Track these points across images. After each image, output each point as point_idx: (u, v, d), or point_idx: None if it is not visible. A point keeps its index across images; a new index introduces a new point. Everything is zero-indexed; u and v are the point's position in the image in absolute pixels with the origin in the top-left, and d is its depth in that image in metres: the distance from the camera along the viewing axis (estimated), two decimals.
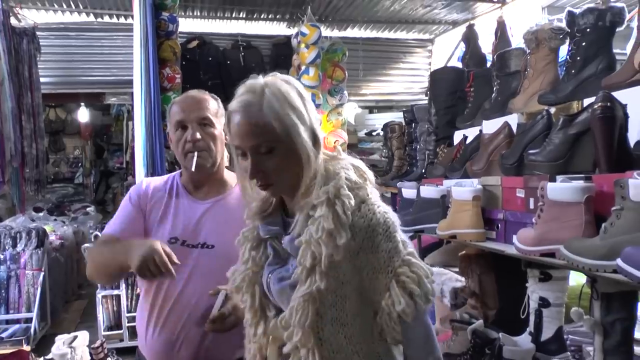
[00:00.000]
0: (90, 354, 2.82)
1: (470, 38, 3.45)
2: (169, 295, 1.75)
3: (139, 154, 4.26)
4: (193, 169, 1.75)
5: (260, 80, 1.22)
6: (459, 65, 3.78)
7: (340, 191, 1.20)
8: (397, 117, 4.95)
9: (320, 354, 1.19)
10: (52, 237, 5.20)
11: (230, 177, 1.84)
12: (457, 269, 2.64)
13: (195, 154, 1.73)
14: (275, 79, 1.22)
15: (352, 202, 1.20)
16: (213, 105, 1.81)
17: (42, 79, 5.00)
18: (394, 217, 1.25)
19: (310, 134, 1.21)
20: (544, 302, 2.05)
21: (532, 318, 2.10)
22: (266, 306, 1.32)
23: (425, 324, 1.25)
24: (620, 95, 1.65)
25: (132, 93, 4.53)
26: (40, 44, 4.94)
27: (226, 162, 1.91)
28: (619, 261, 1.20)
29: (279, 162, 1.20)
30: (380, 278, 1.20)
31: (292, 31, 5.71)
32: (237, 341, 1.55)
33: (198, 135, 1.72)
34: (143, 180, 1.94)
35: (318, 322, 1.20)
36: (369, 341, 1.25)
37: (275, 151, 1.19)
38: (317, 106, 4.97)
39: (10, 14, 4.69)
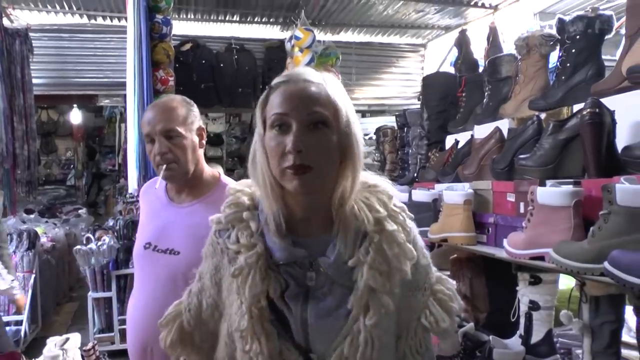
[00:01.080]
0: (82, 357, 2.82)
1: (462, 43, 3.47)
2: (143, 300, 1.78)
3: (132, 156, 4.27)
4: (160, 182, 1.78)
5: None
6: (452, 70, 3.81)
7: (397, 204, 1.13)
8: (389, 121, 4.97)
9: None
10: (43, 239, 5.18)
11: (211, 177, 1.83)
12: (448, 273, 2.66)
13: (164, 166, 1.71)
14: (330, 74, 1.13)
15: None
16: (181, 112, 1.75)
17: (34, 80, 4.99)
18: None
19: (357, 130, 1.09)
20: (533, 305, 2.08)
21: (522, 321, 2.13)
22: (283, 348, 1.08)
23: None
24: (608, 101, 1.68)
25: (125, 95, 4.54)
26: (33, 45, 4.93)
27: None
28: (606, 264, 1.22)
29: (328, 143, 1.04)
30: (418, 296, 1.15)
31: (285, 35, 5.73)
32: None
33: (164, 149, 1.70)
34: (147, 183, 1.97)
35: (379, 353, 1.07)
36: None
37: (327, 128, 1.04)
38: None
39: (3, 15, 4.68)
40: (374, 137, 4.04)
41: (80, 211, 7.44)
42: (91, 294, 4.25)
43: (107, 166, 9.15)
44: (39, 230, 5.18)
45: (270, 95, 1.08)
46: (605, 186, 1.35)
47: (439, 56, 6.19)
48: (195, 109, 1.81)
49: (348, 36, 6.25)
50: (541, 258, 1.58)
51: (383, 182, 1.16)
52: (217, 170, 1.90)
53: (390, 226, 1.08)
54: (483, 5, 5.28)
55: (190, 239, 1.66)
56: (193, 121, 1.78)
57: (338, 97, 1.06)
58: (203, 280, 1.21)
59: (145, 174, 4.14)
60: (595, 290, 1.78)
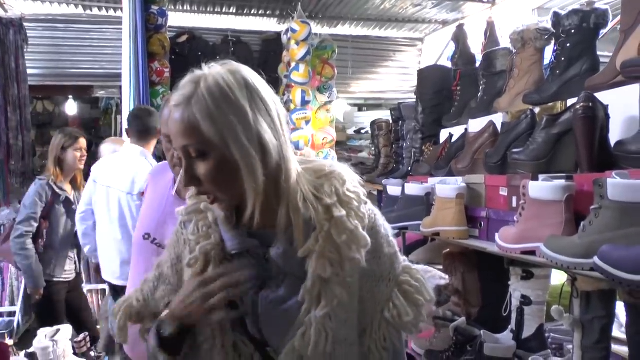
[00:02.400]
0: (73, 348, 2.81)
1: (460, 38, 3.45)
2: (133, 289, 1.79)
3: None
4: (174, 192, 1.80)
5: (203, 70, 1.02)
6: (449, 64, 3.80)
7: (350, 189, 1.07)
8: (385, 115, 4.97)
9: None
10: None
11: None
12: (441, 267, 2.66)
13: (180, 176, 1.74)
14: (221, 69, 1.02)
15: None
16: None
17: (29, 71, 4.95)
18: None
19: (256, 138, 0.99)
20: (525, 300, 2.08)
21: (513, 316, 2.13)
22: (238, 341, 1.07)
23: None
24: (602, 96, 1.67)
25: (120, 86, 4.51)
26: (28, 35, 4.89)
27: None
28: (595, 259, 1.21)
29: (213, 171, 0.99)
30: (382, 287, 1.10)
31: (282, 27, 5.70)
32: None
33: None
34: (159, 166, 1.98)
35: (334, 346, 1.03)
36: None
37: (208, 157, 0.99)
38: (307, 103, 4.97)
39: None
40: (370, 130, 4.03)
41: None
42: (85, 286, 4.24)
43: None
44: None
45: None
46: (597, 181, 1.35)
47: (437, 50, 6.17)
48: None
49: (345, 29, 6.22)
50: (532, 253, 1.57)
51: (340, 168, 1.12)
52: None
53: (339, 212, 1.03)
54: (481, 0, 5.25)
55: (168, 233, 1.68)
56: None
57: (202, 112, 0.97)
58: (161, 269, 1.21)
59: None
60: (586, 286, 1.78)
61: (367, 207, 1.11)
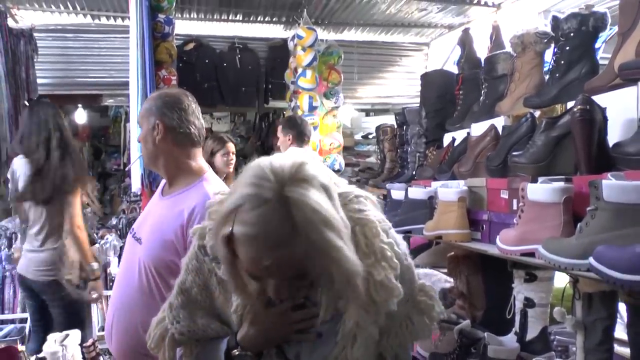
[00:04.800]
0: (82, 353, 2.84)
1: (465, 42, 3.47)
2: (116, 281, 1.94)
3: (135, 155, 4.30)
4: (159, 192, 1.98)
5: (273, 193, 0.95)
6: (455, 69, 3.82)
7: (384, 240, 1.13)
8: (392, 120, 4.99)
9: None
10: None
11: (194, 173, 1.89)
12: (445, 270, 2.67)
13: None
14: (298, 183, 0.96)
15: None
16: (145, 105, 1.93)
17: (39, 80, 5.02)
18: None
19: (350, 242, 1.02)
20: (529, 303, 2.08)
21: (517, 318, 2.13)
22: None
23: None
24: (601, 98, 1.68)
25: (129, 95, 4.57)
26: (38, 45, 4.96)
27: None
28: (591, 260, 1.22)
29: (313, 280, 1.06)
30: (400, 308, 1.15)
31: (288, 34, 5.74)
32: None
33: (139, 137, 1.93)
34: None
35: None
36: None
37: (308, 275, 1.02)
38: (314, 108, 5.01)
39: (8, 15, 4.71)
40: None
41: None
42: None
43: (112, 165, 9.17)
44: None
45: (242, 246, 1.00)
46: (592, 182, 1.36)
47: (443, 55, 6.18)
48: (162, 103, 1.87)
49: (351, 35, 6.25)
50: (532, 254, 1.58)
51: (368, 209, 1.15)
52: (205, 168, 1.93)
53: (378, 275, 1.09)
54: (486, 4, 5.27)
55: (149, 229, 1.82)
56: (149, 115, 1.86)
57: (310, 251, 0.96)
58: (188, 294, 1.22)
59: (150, 173, 4.17)
60: (587, 287, 1.78)
61: (391, 237, 1.17)
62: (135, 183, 4.40)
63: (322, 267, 0.98)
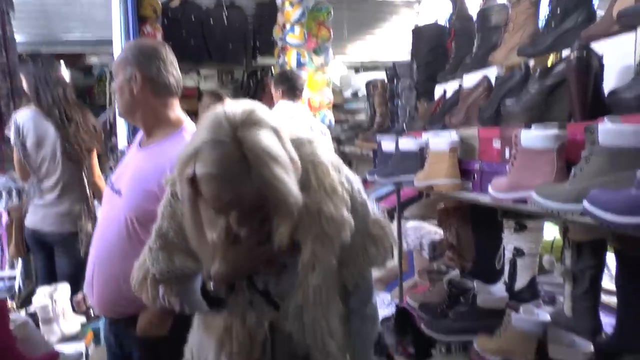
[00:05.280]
0: (72, 307, 2.85)
1: None
2: (95, 234, 1.91)
3: None
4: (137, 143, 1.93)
5: (228, 136, 1.10)
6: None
7: (334, 178, 1.28)
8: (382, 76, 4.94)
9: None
10: None
11: (173, 124, 1.85)
12: (435, 222, 2.68)
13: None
14: (249, 126, 1.12)
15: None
16: (121, 55, 1.84)
17: (18, 38, 4.86)
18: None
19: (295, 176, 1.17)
20: (518, 252, 2.11)
21: (506, 268, 2.16)
22: (254, 298, 1.32)
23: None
24: (597, 46, 1.66)
25: (113, 53, 4.46)
26: (14, 1, 4.79)
27: None
28: (585, 203, 1.22)
29: (267, 215, 1.21)
30: (357, 239, 1.32)
31: None
32: None
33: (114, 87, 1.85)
34: None
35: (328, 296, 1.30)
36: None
37: (265, 207, 1.17)
38: (302, 65, 4.93)
39: None
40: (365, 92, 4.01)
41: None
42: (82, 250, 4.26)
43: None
44: None
45: (202, 184, 1.15)
46: (588, 127, 1.35)
47: (434, 12, 6.08)
48: (139, 52, 1.81)
49: None
50: (524, 201, 1.58)
51: (320, 152, 1.30)
52: (183, 118, 1.89)
53: (328, 210, 1.24)
54: None
55: (129, 181, 1.79)
56: (126, 65, 1.80)
57: (259, 183, 1.12)
58: (167, 237, 1.32)
59: (134, 131, 4.11)
60: (578, 236, 1.80)
61: (343, 176, 1.32)
62: (122, 141, 4.35)
63: (273, 198, 1.13)
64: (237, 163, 1.09)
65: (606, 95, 1.61)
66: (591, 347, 1.64)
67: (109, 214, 1.84)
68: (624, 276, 1.63)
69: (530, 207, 1.50)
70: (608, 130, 1.29)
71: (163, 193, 1.69)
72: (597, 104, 1.60)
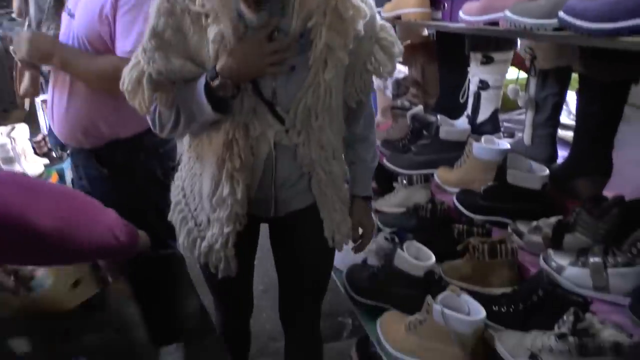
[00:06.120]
0: (33, 148, 2.78)
1: None
2: (53, 68, 1.83)
3: None
4: None
5: None
6: None
7: None
8: None
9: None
10: None
11: None
12: (400, 59, 2.63)
13: None
14: None
15: None
16: None
17: None
18: None
19: None
20: (483, 85, 2.10)
21: (470, 101, 2.16)
22: (257, 104, 1.25)
23: None
24: None
25: None
26: None
27: None
28: (560, 13, 1.17)
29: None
30: (365, 44, 1.29)
31: None
32: (117, 117, 1.70)
33: None
34: None
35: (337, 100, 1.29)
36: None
37: None
38: None
39: None
40: None
41: (13, 14, 6.87)
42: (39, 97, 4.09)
43: None
44: None
45: None
46: None
47: None
48: None
49: None
50: (497, 24, 1.53)
51: None
52: None
53: None
54: None
55: (83, 2, 1.70)
56: None
57: None
58: (162, 37, 1.18)
59: None
60: (544, 63, 1.79)
61: None
62: None
63: None
64: None
65: None
66: (547, 172, 1.70)
67: (64, 38, 1.78)
68: (585, 99, 1.64)
69: (503, 29, 1.46)
70: None
71: (111, 14, 1.61)
72: None
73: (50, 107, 1.84)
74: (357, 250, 1.58)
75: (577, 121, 1.73)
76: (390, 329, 1.56)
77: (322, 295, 1.63)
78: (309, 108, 1.24)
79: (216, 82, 1.17)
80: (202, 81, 1.20)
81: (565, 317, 1.24)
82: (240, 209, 1.30)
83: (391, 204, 2.12)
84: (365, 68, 1.32)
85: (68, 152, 2.98)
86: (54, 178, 2.73)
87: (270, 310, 2.78)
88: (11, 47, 1.79)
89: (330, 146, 1.33)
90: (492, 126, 2.11)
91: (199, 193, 1.37)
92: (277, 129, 1.26)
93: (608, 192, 1.58)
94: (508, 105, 2.28)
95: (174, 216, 1.46)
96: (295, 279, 1.59)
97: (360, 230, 1.55)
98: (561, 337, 1.22)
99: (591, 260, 1.35)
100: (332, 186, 1.38)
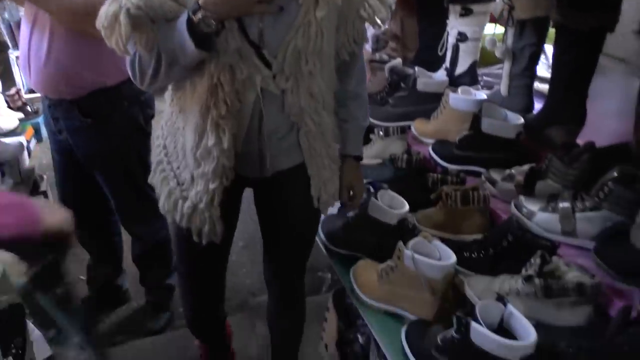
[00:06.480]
0: (6, 102, 2.73)
1: None
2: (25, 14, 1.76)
3: None
4: None
5: None
6: None
7: None
8: None
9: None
10: None
11: None
12: None
13: None
14: None
15: None
16: None
17: None
18: None
19: None
20: (461, 37, 2.07)
21: (448, 54, 2.14)
22: (242, 46, 1.17)
23: None
24: None
25: None
26: None
27: None
28: None
29: None
30: None
31: None
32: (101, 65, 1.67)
33: None
34: None
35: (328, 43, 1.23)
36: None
37: None
38: None
39: None
40: None
41: None
42: (13, 52, 4.01)
43: None
44: None
45: None
46: None
47: None
48: None
49: None
50: None
51: None
52: None
53: None
54: None
55: None
56: None
57: None
58: None
59: None
60: (522, 13, 1.77)
61: None
62: None
63: None
64: None
65: None
66: (522, 121, 1.70)
67: None
68: (561, 47, 1.63)
69: None
70: None
71: None
72: None
73: (26, 59, 1.76)
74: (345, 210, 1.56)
75: (552, 70, 1.72)
76: (363, 277, 1.57)
77: (307, 253, 1.61)
78: (298, 51, 1.18)
79: (198, 15, 1.09)
80: (184, 16, 1.12)
81: (532, 261, 1.26)
82: (227, 160, 1.23)
83: (368, 155, 2.09)
84: (358, 15, 1.27)
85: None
86: (29, 132, 2.69)
87: (250, 265, 2.80)
88: None
89: (320, 95, 1.27)
90: (470, 78, 2.10)
91: (182, 149, 1.30)
92: (264, 74, 1.19)
93: (581, 142, 1.58)
94: (487, 59, 2.26)
95: (154, 177, 1.40)
96: (280, 239, 1.56)
97: (350, 193, 1.53)
98: (527, 279, 1.24)
99: (560, 205, 1.37)
100: (321, 139, 1.33)
